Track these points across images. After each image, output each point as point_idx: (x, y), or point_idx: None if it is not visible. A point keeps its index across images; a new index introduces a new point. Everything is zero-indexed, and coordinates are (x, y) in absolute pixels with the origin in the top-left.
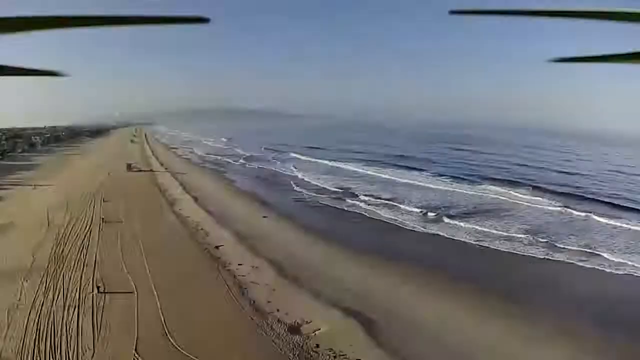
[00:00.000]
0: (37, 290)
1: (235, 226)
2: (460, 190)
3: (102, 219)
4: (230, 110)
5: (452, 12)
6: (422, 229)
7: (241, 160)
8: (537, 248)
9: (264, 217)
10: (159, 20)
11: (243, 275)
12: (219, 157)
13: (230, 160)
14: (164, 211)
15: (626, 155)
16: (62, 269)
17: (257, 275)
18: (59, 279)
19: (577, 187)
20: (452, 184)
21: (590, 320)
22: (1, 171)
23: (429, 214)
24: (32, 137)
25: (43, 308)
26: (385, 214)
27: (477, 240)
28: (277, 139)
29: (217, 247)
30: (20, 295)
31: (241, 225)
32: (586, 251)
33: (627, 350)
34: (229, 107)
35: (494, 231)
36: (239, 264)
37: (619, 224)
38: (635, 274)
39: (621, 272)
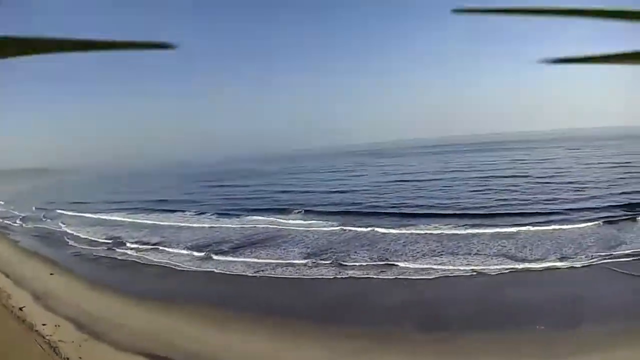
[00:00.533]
0: None
1: (30, 286)
2: (227, 226)
3: None
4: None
5: (456, 11)
6: (196, 268)
7: (18, 221)
8: (325, 269)
9: (51, 274)
10: (123, 45)
11: (50, 335)
12: (1, 220)
13: (10, 222)
14: None
15: (412, 163)
16: None
17: (62, 333)
18: None
19: (354, 204)
20: (217, 221)
21: (413, 326)
22: None
23: (199, 252)
24: None
25: None
26: (156, 258)
27: (257, 272)
28: (44, 197)
29: (20, 309)
30: None
31: (35, 284)
32: (380, 264)
33: (452, 343)
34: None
35: (272, 260)
36: (43, 324)
37: (410, 231)
38: (452, 275)
39: (433, 277)
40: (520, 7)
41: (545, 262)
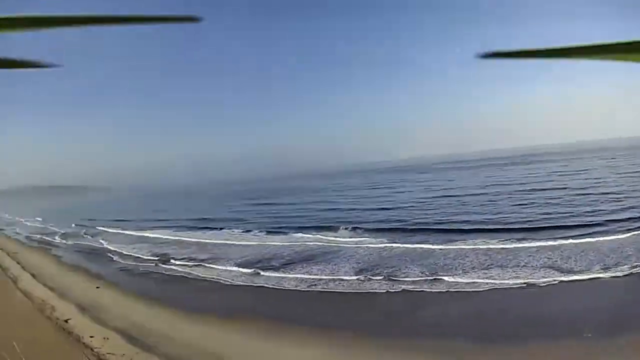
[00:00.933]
0: None
1: (75, 298)
2: (276, 243)
3: None
4: (37, 188)
5: (482, 57)
6: (246, 283)
7: (58, 238)
8: (377, 284)
9: (97, 287)
10: (148, 19)
11: (98, 347)
12: (40, 236)
13: (50, 239)
14: (10, 288)
15: (451, 178)
16: None
17: (111, 345)
18: None
19: (399, 221)
20: (265, 238)
21: (468, 338)
22: None
23: (248, 269)
24: None
25: None
26: (204, 274)
27: (310, 286)
28: (83, 214)
29: (66, 321)
30: None
31: (81, 297)
32: (431, 278)
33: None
34: (35, 184)
35: (324, 276)
36: (90, 336)
37: (458, 247)
38: (502, 287)
39: (483, 289)
40: (545, 48)
41: (590, 272)
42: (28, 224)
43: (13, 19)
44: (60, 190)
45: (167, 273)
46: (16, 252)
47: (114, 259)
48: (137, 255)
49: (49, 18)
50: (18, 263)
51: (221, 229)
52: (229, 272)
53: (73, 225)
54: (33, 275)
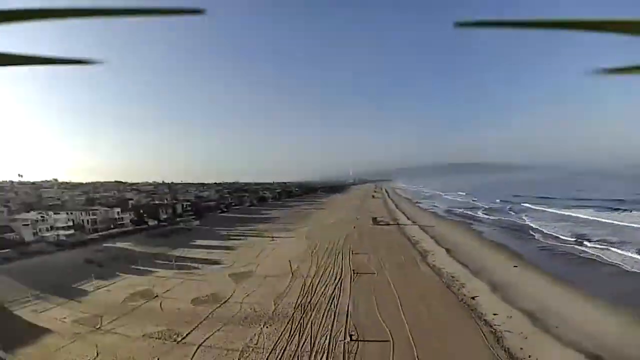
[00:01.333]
0: (280, 336)
1: (488, 277)
2: None
3: (353, 270)
4: (457, 165)
5: (458, 25)
6: None
7: (481, 213)
8: None
9: (515, 266)
10: (152, 11)
11: (498, 325)
12: (461, 210)
13: (472, 213)
14: (418, 263)
15: None
16: (309, 317)
17: (512, 324)
18: (305, 326)
19: None
20: None
21: None
22: (229, 222)
23: None
24: (261, 192)
25: (285, 352)
26: (611, 258)
27: None
28: (508, 191)
29: (473, 298)
30: (258, 338)
31: (494, 276)
32: None
33: None
34: (455, 161)
35: None
36: (494, 314)
37: None
38: None
39: None
40: (526, 19)
41: None
42: (449, 197)
43: (15, 11)
44: (479, 168)
45: (581, 255)
46: (432, 226)
47: (535, 237)
48: (557, 234)
49: (52, 10)
50: (432, 237)
51: (631, 210)
52: (632, 259)
53: (498, 200)
54: (447, 251)
